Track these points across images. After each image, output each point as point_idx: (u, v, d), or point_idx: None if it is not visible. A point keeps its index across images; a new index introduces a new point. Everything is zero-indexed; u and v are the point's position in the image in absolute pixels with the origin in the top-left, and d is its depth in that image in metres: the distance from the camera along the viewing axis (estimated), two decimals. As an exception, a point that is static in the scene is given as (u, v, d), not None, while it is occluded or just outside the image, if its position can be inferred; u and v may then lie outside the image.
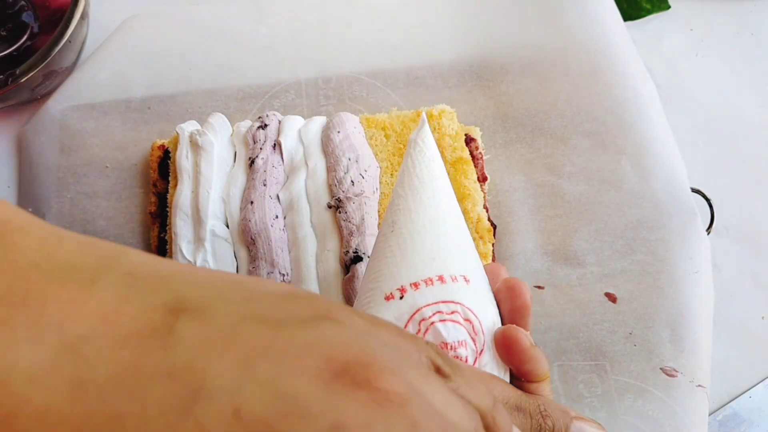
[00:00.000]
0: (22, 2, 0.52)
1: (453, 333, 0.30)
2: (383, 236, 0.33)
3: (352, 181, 0.44)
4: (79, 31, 0.51)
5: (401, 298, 0.30)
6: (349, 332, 0.21)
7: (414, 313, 0.30)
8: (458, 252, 0.32)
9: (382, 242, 0.33)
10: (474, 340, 0.30)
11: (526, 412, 0.30)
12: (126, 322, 0.20)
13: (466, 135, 0.48)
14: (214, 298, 0.21)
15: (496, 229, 0.48)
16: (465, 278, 0.31)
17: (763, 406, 0.46)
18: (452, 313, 0.30)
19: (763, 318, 0.48)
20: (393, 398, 0.20)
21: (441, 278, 0.31)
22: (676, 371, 0.44)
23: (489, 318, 0.31)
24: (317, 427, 0.19)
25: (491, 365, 0.31)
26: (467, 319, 0.30)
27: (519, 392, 0.30)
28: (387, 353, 0.21)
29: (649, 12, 0.56)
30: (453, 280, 0.31)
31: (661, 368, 0.44)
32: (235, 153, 0.48)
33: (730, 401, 0.46)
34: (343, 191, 0.44)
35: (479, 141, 0.49)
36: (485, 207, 0.47)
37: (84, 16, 0.51)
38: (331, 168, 0.45)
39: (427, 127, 0.36)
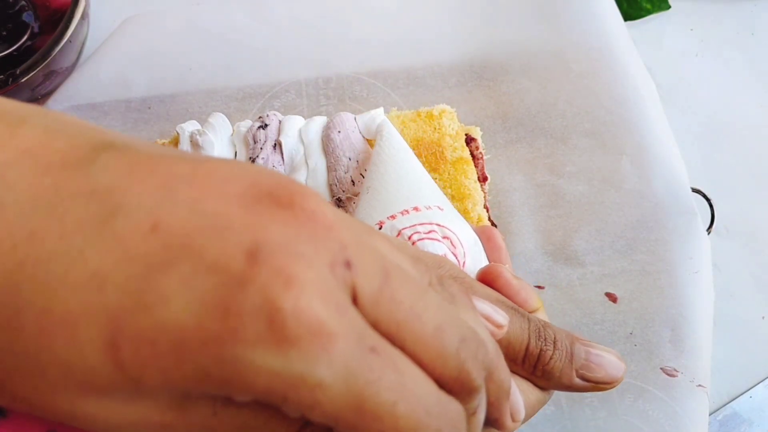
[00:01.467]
0: (23, 2, 0.52)
1: (431, 249, 0.31)
2: (360, 200, 0.36)
3: (352, 181, 0.44)
4: (79, 31, 0.51)
5: (380, 228, 0.32)
6: (278, 173, 0.21)
7: (395, 237, 0.32)
8: (429, 188, 0.35)
9: (360, 204, 0.36)
10: (455, 255, 0.32)
11: (524, 316, 0.30)
12: (50, 154, 0.20)
13: (466, 135, 0.48)
14: (141, 143, 0.22)
15: (497, 229, 0.48)
16: (439, 207, 0.33)
17: (764, 406, 0.46)
18: (429, 232, 0.32)
19: (763, 318, 0.48)
20: (320, 219, 0.20)
21: (416, 208, 0.33)
22: (677, 371, 0.44)
23: (467, 234, 0.33)
24: (236, 242, 0.19)
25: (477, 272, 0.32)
26: (445, 236, 0.32)
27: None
28: (319, 195, 0.21)
29: (649, 12, 0.56)
30: (427, 209, 0.33)
31: (661, 368, 0.44)
32: (236, 153, 0.48)
33: (731, 401, 0.47)
34: (344, 191, 0.44)
35: (479, 141, 0.49)
36: (485, 207, 0.47)
37: (84, 16, 0.51)
38: (331, 168, 0.45)
39: (388, 123, 0.41)
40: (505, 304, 0.30)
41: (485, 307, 0.27)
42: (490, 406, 0.26)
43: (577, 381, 0.31)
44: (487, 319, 0.27)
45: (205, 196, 0.19)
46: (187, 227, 0.19)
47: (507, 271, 0.31)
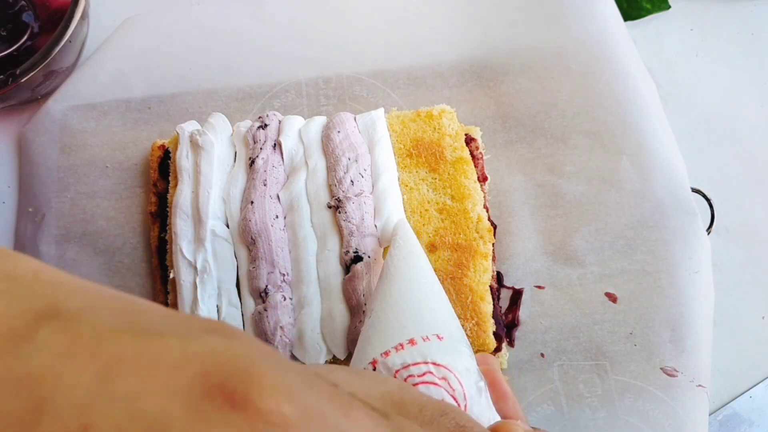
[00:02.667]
0: (23, 2, 0.52)
1: (428, 394, 0.28)
2: (365, 324, 0.34)
3: (351, 181, 0.44)
4: (79, 31, 0.51)
5: (374, 369, 0.30)
6: (240, 346, 0.19)
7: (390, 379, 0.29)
8: (429, 312, 0.33)
9: (363, 330, 0.33)
10: (454, 398, 0.29)
11: None
12: None
13: (466, 135, 0.48)
14: (92, 308, 0.20)
15: (497, 229, 0.48)
16: (438, 336, 0.31)
17: (764, 406, 0.46)
18: (424, 374, 0.29)
19: (763, 318, 0.48)
20: (277, 421, 0.17)
21: (411, 341, 0.30)
22: (677, 371, 0.44)
23: (467, 372, 0.30)
24: None
25: (481, 417, 0.30)
26: (443, 377, 0.29)
27: None
28: (284, 372, 0.18)
29: (649, 12, 0.56)
30: (425, 340, 0.30)
31: (661, 368, 0.44)
32: (236, 153, 0.48)
33: (731, 401, 0.47)
34: (343, 191, 0.44)
35: (479, 141, 0.49)
36: (485, 207, 0.47)
37: (84, 16, 0.51)
38: (331, 168, 0.45)
39: (407, 227, 0.39)
40: None
41: None
42: None
43: None
44: None
45: (147, 390, 0.17)
46: None
47: (521, 427, 0.29)
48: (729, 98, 0.54)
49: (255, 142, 0.47)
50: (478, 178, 0.47)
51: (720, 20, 0.57)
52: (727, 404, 0.46)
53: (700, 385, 0.44)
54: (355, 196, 0.44)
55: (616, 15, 0.53)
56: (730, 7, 0.57)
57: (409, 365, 0.30)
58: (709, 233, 0.49)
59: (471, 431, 0.26)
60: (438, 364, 0.29)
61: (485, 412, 0.30)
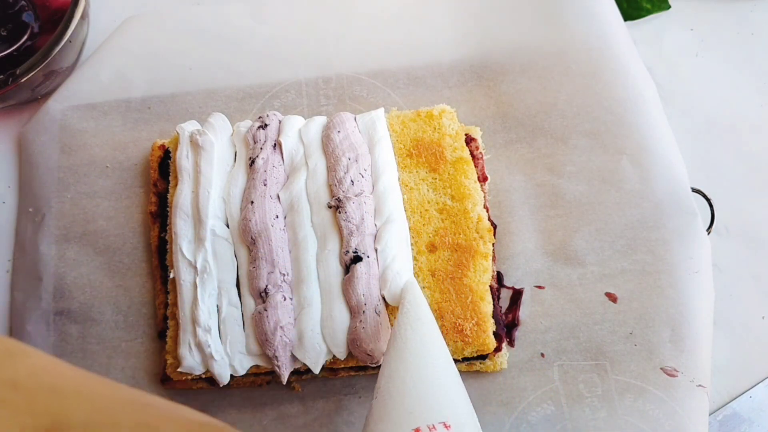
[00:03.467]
0: (23, 2, 0.52)
1: None
2: (371, 404, 0.33)
3: (351, 181, 0.44)
4: (79, 31, 0.51)
5: None
6: None
7: None
8: (437, 395, 0.32)
9: (369, 410, 0.33)
10: None
11: None
12: None
13: (466, 135, 0.48)
14: (100, 421, 0.19)
15: (497, 229, 0.48)
16: (444, 424, 0.30)
17: (764, 406, 0.46)
18: None
19: (763, 318, 0.48)
20: None
21: (416, 430, 0.30)
22: (677, 371, 0.44)
23: None
24: None
25: None
26: None
27: None
28: None
29: (649, 12, 0.56)
30: (431, 430, 0.30)
31: (661, 368, 0.44)
32: (236, 153, 0.48)
33: (731, 401, 0.47)
34: (343, 191, 0.44)
35: (479, 141, 0.49)
36: (485, 207, 0.47)
37: (84, 16, 0.51)
38: (331, 168, 0.45)
39: (416, 288, 0.38)
40: None
41: None
42: None
43: None
44: None
45: None
46: None
47: None
48: (729, 98, 0.54)
49: (255, 142, 0.47)
50: (478, 178, 0.47)
51: (720, 20, 0.57)
52: (727, 404, 0.46)
53: (700, 385, 0.44)
54: (355, 196, 0.44)
55: (616, 15, 0.53)
56: (730, 7, 0.57)
57: None
58: (709, 233, 0.49)
59: None
60: None
61: None
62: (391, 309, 0.42)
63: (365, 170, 0.45)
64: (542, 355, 0.46)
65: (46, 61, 0.49)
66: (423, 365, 0.33)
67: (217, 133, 0.47)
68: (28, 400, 0.18)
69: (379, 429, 0.31)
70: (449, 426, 0.30)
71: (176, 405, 0.20)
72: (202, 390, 0.46)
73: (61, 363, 0.20)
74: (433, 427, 0.30)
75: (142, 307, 0.48)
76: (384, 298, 0.42)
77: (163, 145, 0.50)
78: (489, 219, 0.46)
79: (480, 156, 0.48)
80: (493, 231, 0.45)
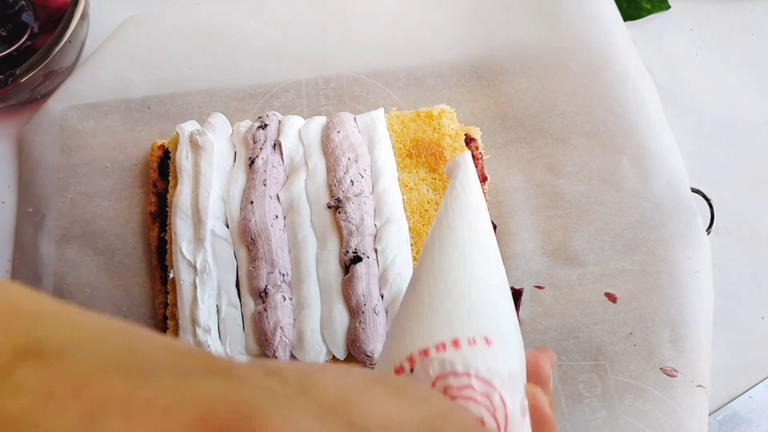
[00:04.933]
0: (22, 2, 0.52)
1: None
2: (405, 296, 0.29)
3: (351, 181, 0.44)
4: (79, 31, 0.51)
5: (411, 371, 0.26)
6: (243, 390, 0.17)
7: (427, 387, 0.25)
8: (481, 309, 0.27)
9: (402, 303, 0.29)
10: (494, 416, 0.25)
11: None
12: None
13: (466, 135, 0.48)
14: (79, 344, 0.18)
15: (497, 229, 0.48)
16: (486, 339, 0.26)
17: (763, 406, 0.46)
18: (464, 388, 0.25)
19: (763, 318, 0.48)
20: None
21: (456, 342, 0.26)
22: (676, 371, 0.44)
23: (513, 387, 0.26)
24: None
25: None
26: (485, 394, 0.25)
27: None
28: (293, 416, 0.17)
29: (649, 12, 0.56)
30: (470, 344, 0.26)
31: (661, 368, 0.44)
32: (235, 153, 0.48)
33: (730, 401, 0.46)
34: (343, 191, 0.44)
35: (479, 141, 0.49)
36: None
37: (84, 16, 0.51)
38: (331, 168, 0.45)
39: (469, 165, 0.32)
40: None
41: None
42: None
43: None
44: None
45: None
46: None
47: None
48: (729, 98, 0.54)
49: (255, 142, 0.47)
50: (478, 178, 0.47)
51: (720, 20, 0.57)
52: (727, 404, 0.46)
53: (700, 385, 0.44)
54: (355, 196, 0.44)
55: (616, 15, 0.53)
56: (730, 7, 0.57)
57: (448, 374, 0.25)
58: (709, 233, 0.49)
59: None
60: (482, 378, 0.25)
61: None
62: (392, 307, 0.42)
63: (365, 170, 0.45)
64: (542, 355, 0.46)
65: (46, 61, 0.49)
66: (468, 266, 0.28)
67: (216, 133, 0.47)
68: (5, 322, 0.18)
69: (413, 332, 0.27)
70: (490, 342, 0.26)
71: (162, 335, 0.20)
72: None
73: (40, 294, 0.19)
74: (474, 340, 0.26)
75: (141, 307, 0.48)
76: (383, 298, 0.42)
77: (162, 145, 0.50)
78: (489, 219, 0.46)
79: (480, 156, 0.48)
80: (493, 231, 0.45)
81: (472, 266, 0.28)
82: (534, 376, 0.28)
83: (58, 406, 0.16)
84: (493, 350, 0.26)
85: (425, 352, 0.26)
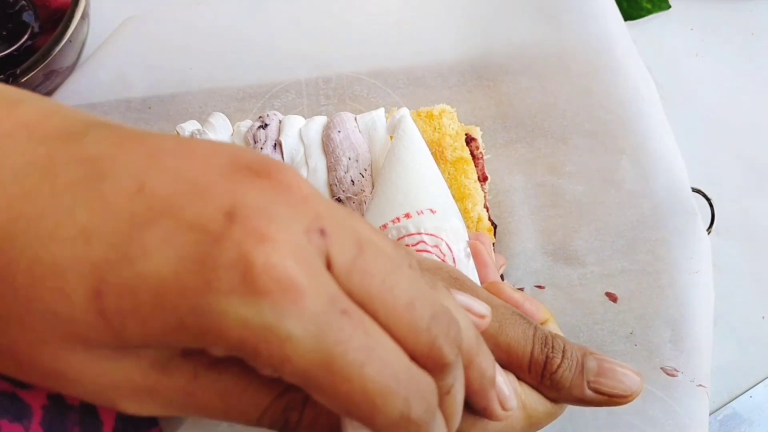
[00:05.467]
0: (23, 2, 0.52)
1: None
2: (368, 205, 0.37)
3: (352, 181, 0.44)
4: (79, 31, 0.51)
5: None
6: (259, 153, 0.23)
7: None
8: (424, 190, 0.35)
9: (366, 210, 0.36)
10: (443, 260, 0.32)
11: (530, 324, 0.30)
12: (46, 128, 0.22)
13: (466, 135, 0.48)
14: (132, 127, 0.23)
15: (497, 229, 0.48)
16: (431, 210, 0.33)
17: (764, 405, 0.46)
18: (417, 243, 0.32)
19: (763, 318, 0.48)
20: (296, 191, 0.21)
21: (407, 215, 0.33)
22: (677, 371, 0.44)
23: (458, 242, 0.33)
24: (215, 204, 0.20)
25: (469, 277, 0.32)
26: (434, 245, 0.32)
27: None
28: (299, 173, 0.22)
29: (649, 12, 0.56)
30: (419, 214, 0.33)
31: (661, 368, 0.44)
32: (236, 153, 0.48)
33: (731, 401, 0.47)
34: (344, 191, 0.44)
35: (480, 141, 0.49)
36: (486, 207, 0.47)
37: (84, 15, 0.51)
38: (331, 167, 0.45)
39: (407, 119, 0.40)
40: (509, 309, 0.30)
41: (464, 298, 0.27)
42: (475, 394, 0.26)
43: (589, 393, 0.31)
44: (467, 309, 0.26)
45: (189, 166, 0.21)
46: (170, 190, 0.20)
47: (508, 286, 0.31)
48: (729, 98, 0.54)
49: (255, 142, 0.47)
50: (479, 177, 0.47)
51: (720, 20, 0.57)
52: (727, 404, 0.46)
53: (700, 385, 0.44)
54: (356, 195, 0.44)
55: (616, 15, 0.53)
56: (730, 7, 0.57)
57: (404, 236, 0.32)
58: (709, 233, 0.49)
59: (463, 282, 0.29)
60: (430, 234, 0.32)
61: (471, 275, 0.33)
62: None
63: (365, 170, 0.45)
64: (542, 355, 0.46)
65: (47, 61, 0.49)
66: (413, 168, 0.37)
67: (217, 132, 0.47)
68: (73, 110, 0.23)
69: (373, 217, 0.34)
70: (435, 211, 0.33)
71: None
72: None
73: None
74: (421, 212, 0.33)
75: (142, 307, 0.48)
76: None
77: (163, 145, 0.50)
78: (489, 219, 0.46)
79: (480, 156, 0.48)
80: (493, 231, 0.45)
81: (414, 169, 0.37)
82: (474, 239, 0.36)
83: (127, 150, 0.21)
84: (437, 216, 0.33)
85: (384, 227, 0.33)
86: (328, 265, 0.21)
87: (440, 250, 0.32)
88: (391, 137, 0.43)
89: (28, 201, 0.20)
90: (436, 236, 0.32)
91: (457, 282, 0.29)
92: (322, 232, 0.20)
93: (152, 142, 0.21)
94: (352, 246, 0.21)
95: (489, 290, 0.31)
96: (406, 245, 0.32)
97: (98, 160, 0.21)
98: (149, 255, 0.19)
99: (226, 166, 0.21)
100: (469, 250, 0.34)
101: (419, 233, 0.32)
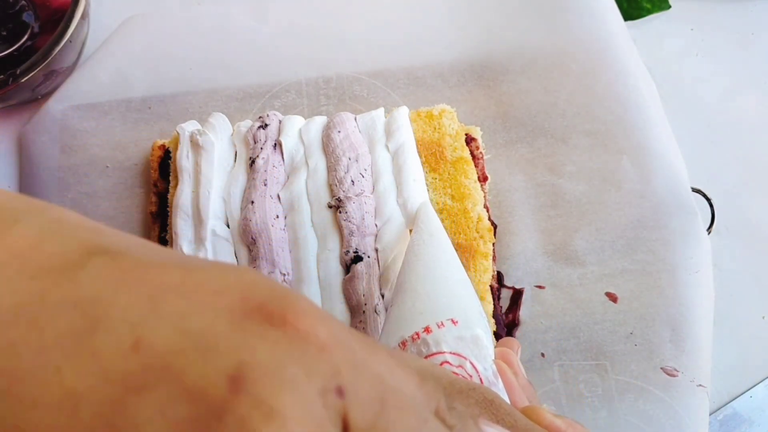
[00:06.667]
0: (23, 2, 0.52)
1: None
2: (387, 314, 0.34)
3: (352, 181, 0.44)
4: (79, 31, 0.51)
5: None
6: (273, 281, 0.21)
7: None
8: (445, 294, 0.33)
9: (385, 320, 0.34)
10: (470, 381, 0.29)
11: None
12: (40, 257, 0.20)
13: (466, 135, 0.48)
14: (136, 247, 0.21)
15: (497, 229, 0.48)
16: (452, 320, 0.31)
17: (764, 405, 0.46)
18: (441, 364, 0.29)
19: (763, 318, 0.48)
20: (312, 340, 0.19)
21: (427, 329, 0.31)
22: (677, 371, 0.44)
23: (483, 356, 0.30)
24: (219, 365, 0.18)
25: None
26: (459, 365, 0.30)
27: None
28: (316, 307, 0.20)
29: (649, 12, 0.56)
30: (439, 327, 0.31)
31: (661, 368, 0.44)
32: (236, 153, 0.48)
33: (731, 401, 0.47)
34: (344, 191, 0.44)
35: (480, 141, 0.49)
36: (486, 207, 0.47)
37: (84, 15, 0.51)
38: (331, 167, 0.45)
39: (428, 208, 0.39)
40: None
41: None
42: None
43: None
44: None
45: (193, 310, 0.19)
46: (169, 346, 0.18)
47: (548, 412, 0.29)
48: (729, 98, 0.54)
49: (255, 142, 0.47)
50: (479, 177, 0.47)
51: (720, 20, 0.57)
52: (727, 404, 0.46)
53: (700, 385, 0.44)
54: (356, 195, 0.44)
55: (616, 15, 0.53)
56: (730, 7, 0.57)
57: (425, 357, 0.30)
58: (709, 233, 0.49)
59: (499, 407, 0.26)
60: (454, 353, 0.30)
61: (503, 395, 0.30)
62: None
63: (365, 170, 0.45)
64: (542, 355, 0.46)
65: (46, 61, 0.49)
66: (433, 269, 0.34)
67: (217, 133, 0.47)
68: (73, 229, 0.21)
69: (391, 333, 0.32)
70: (457, 322, 0.31)
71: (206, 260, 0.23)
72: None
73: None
74: (442, 323, 0.31)
75: (142, 307, 0.48)
76: (384, 298, 0.42)
77: (163, 145, 0.50)
78: (489, 219, 0.46)
79: (480, 156, 0.48)
80: (493, 231, 0.45)
81: (434, 270, 0.35)
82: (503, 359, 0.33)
83: (127, 290, 0.19)
84: (460, 328, 0.31)
85: (403, 344, 0.31)
86: (346, 427, 0.19)
87: (465, 370, 0.29)
88: (410, 230, 0.42)
89: (12, 355, 0.18)
90: (460, 356, 0.30)
91: (492, 406, 0.26)
92: (340, 392, 0.19)
93: (155, 279, 0.19)
94: (374, 402, 0.19)
95: (528, 415, 0.28)
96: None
97: (94, 303, 0.19)
98: (141, 430, 0.17)
99: (237, 310, 0.19)
100: (495, 368, 0.31)
101: (442, 352, 0.30)
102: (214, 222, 0.45)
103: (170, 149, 0.49)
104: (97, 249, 0.20)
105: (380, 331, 0.42)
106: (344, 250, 0.43)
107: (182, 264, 0.20)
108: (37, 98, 0.54)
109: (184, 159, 0.47)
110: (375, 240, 0.43)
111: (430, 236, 0.37)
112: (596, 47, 0.52)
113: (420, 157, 0.46)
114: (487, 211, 0.46)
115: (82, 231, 0.21)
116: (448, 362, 0.29)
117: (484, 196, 0.47)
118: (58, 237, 0.21)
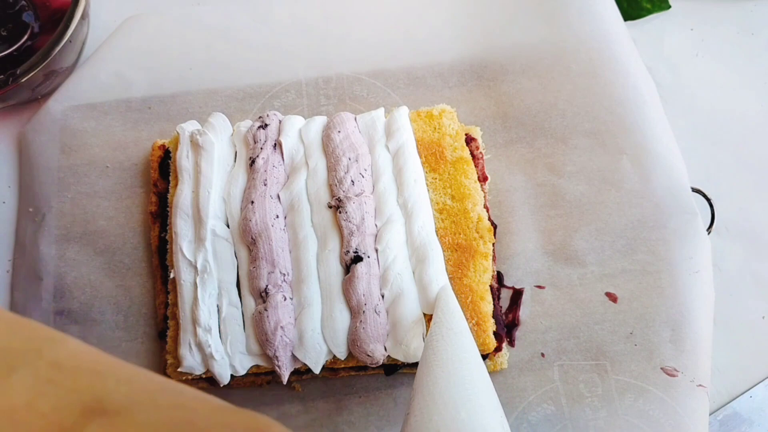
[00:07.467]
0: (23, 2, 0.52)
1: None
2: (406, 419, 0.33)
3: (352, 181, 0.44)
4: (79, 31, 0.51)
5: None
6: None
7: None
8: (467, 413, 0.32)
9: (404, 426, 0.32)
10: None
11: None
12: (34, 422, 0.19)
13: (466, 135, 0.48)
14: (139, 401, 0.20)
15: (497, 229, 0.48)
16: None
17: (764, 405, 0.46)
18: None
19: (763, 318, 0.48)
20: None
21: None
22: (677, 371, 0.44)
23: None
24: None
25: None
26: None
27: None
28: None
29: (649, 12, 0.56)
30: None
31: (661, 368, 0.44)
32: (236, 153, 0.48)
33: (731, 401, 0.47)
34: (344, 191, 0.44)
35: (480, 141, 0.49)
36: (486, 207, 0.47)
37: (84, 16, 0.51)
38: (331, 168, 0.45)
39: (449, 295, 0.37)
40: None
41: None
42: None
43: None
44: None
45: None
46: None
47: None
48: (729, 98, 0.54)
49: (255, 142, 0.47)
50: (479, 177, 0.47)
51: (720, 20, 0.57)
52: (727, 404, 0.46)
53: (700, 385, 0.44)
54: (356, 196, 0.44)
55: (616, 15, 0.53)
56: (730, 7, 0.57)
57: None
58: (709, 233, 0.49)
59: None
60: None
61: None
62: (392, 307, 0.42)
63: (365, 170, 0.45)
64: (542, 355, 0.46)
65: (46, 61, 0.49)
66: (454, 379, 0.33)
67: (217, 133, 0.47)
68: (71, 379, 0.20)
69: None
70: None
71: (204, 393, 0.22)
72: (202, 390, 0.46)
73: (97, 350, 0.22)
74: None
75: (142, 307, 0.48)
76: (384, 298, 0.42)
77: (163, 145, 0.50)
78: (489, 219, 0.46)
79: (480, 156, 0.48)
80: (493, 231, 0.45)
81: (456, 381, 0.33)
82: None
83: None
84: None
85: None
86: None
87: None
88: (425, 315, 0.42)
89: None
90: None
91: None
92: None
93: None
94: None
95: None
96: None
97: None
98: None
99: None
100: None
101: None
102: (214, 222, 0.45)
103: (170, 149, 0.49)
104: (95, 407, 0.19)
105: (383, 328, 0.42)
106: (344, 250, 0.43)
107: (183, 425, 0.19)
108: (37, 98, 0.54)
109: (184, 159, 0.47)
110: (375, 240, 0.43)
111: (450, 331, 0.36)
112: (596, 47, 0.52)
113: (420, 157, 0.46)
114: (487, 211, 0.46)
115: (82, 378, 0.20)
116: None
117: (484, 196, 0.47)
118: (54, 391, 0.20)
